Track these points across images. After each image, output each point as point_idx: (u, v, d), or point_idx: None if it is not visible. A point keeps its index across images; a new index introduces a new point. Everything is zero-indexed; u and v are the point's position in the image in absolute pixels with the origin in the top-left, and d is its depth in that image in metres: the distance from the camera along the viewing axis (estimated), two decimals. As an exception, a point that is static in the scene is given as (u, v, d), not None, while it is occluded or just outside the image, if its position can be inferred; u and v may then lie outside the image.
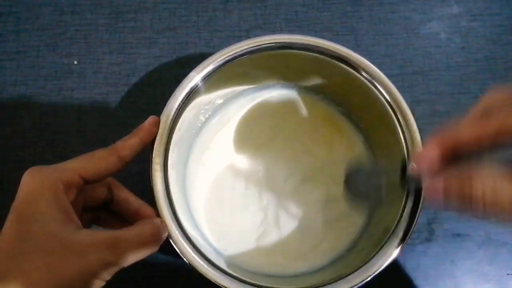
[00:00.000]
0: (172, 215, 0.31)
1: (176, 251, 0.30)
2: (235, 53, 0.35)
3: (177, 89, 0.34)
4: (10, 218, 0.25)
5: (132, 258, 0.26)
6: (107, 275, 0.25)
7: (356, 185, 0.32)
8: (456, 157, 0.23)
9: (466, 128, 0.22)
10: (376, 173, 0.34)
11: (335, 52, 0.35)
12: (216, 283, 0.30)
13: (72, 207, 0.26)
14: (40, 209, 0.25)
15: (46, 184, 0.25)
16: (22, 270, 0.23)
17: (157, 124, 0.32)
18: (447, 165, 0.23)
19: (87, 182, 0.28)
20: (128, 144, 0.30)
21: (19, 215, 0.25)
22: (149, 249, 0.28)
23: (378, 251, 0.31)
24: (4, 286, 0.22)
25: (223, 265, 0.31)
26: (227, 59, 0.35)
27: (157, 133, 0.32)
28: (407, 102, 0.34)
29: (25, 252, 0.23)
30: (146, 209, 0.31)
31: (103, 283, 0.25)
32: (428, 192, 0.24)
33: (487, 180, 0.21)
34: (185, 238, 0.31)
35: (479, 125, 0.22)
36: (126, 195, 0.31)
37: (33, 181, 0.26)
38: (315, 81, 0.39)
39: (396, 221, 0.31)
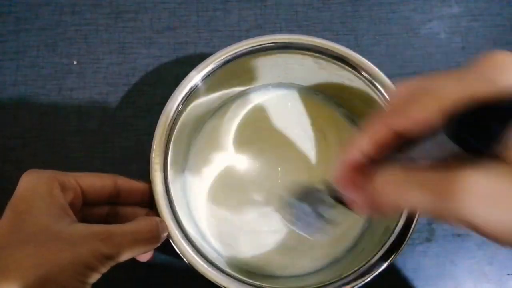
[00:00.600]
0: (172, 215, 0.31)
1: (176, 251, 0.30)
2: (235, 53, 0.35)
3: (176, 89, 0.34)
4: (6, 212, 0.25)
5: (127, 252, 0.26)
6: (102, 268, 0.25)
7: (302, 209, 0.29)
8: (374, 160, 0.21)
9: (365, 143, 0.21)
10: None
11: (335, 52, 0.35)
12: (216, 283, 0.30)
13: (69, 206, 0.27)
14: (35, 203, 0.25)
15: (42, 180, 0.26)
16: (13, 258, 0.23)
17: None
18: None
19: (84, 195, 0.29)
20: (128, 181, 0.31)
21: (14, 209, 0.25)
22: (146, 246, 0.28)
23: (378, 251, 0.31)
24: None
25: (223, 265, 0.31)
26: (227, 59, 0.35)
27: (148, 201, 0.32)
28: (407, 102, 0.34)
29: (18, 242, 0.24)
30: (151, 213, 0.31)
31: (98, 276, 0.25)
32: (355, 207, 0.23)
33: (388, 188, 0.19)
34: (185, 238, 0.31)
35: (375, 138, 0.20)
36: (132, 209, 0.32)
37: (30, 179, 0.26)
38: (315, 81, 0.39)
39: (396, 221, 0.31)
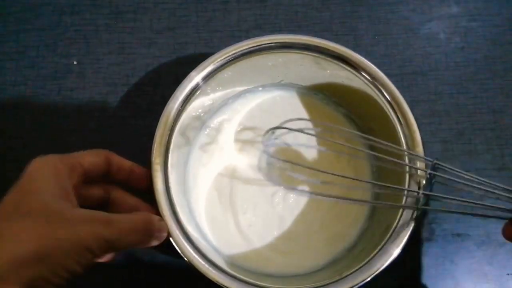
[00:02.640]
0: (173, 215, 0.31)
1: (177, 251, 0.30)
2: (235, 53, 0.35)
3: (177, 89, 0.34)
4: (11, 190, 0.26)
5: (125, 240, 0.26)
6: (99, 252, 0.25)
7: None
8: None
9: None
10: None
11: (335, 52, 0.35)
12: (217, 282, 0.30)
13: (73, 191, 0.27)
14: (39, 184, 0.26)
15: (49, 163, 0.27)
16: (11, 230, 0.23)
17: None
18: None
19: (85, 174, 0.29)
20: (118, 157, 0.32)
21: (19, 189, 0.26)
22: (142, 238, 0.28)
23: (378, 251, 0.31)
24: None
25: (223, 265, 0.31)
26: (227, 59, 0.35)
27: (144, 186, 0.32)
28: (406, 102, 0.34)
29: (18, 216, 0.24)
30: (142, 205, 0.31)
31: (95, 260, 0.26)
32: None
33: None
34: (186, 238, 0.31)
35: None
36: (122, 194, 0.32)
37: (38, 163, 0.27)
38: (315, 81, 0.39)
39: (396, 221, 0.31)
